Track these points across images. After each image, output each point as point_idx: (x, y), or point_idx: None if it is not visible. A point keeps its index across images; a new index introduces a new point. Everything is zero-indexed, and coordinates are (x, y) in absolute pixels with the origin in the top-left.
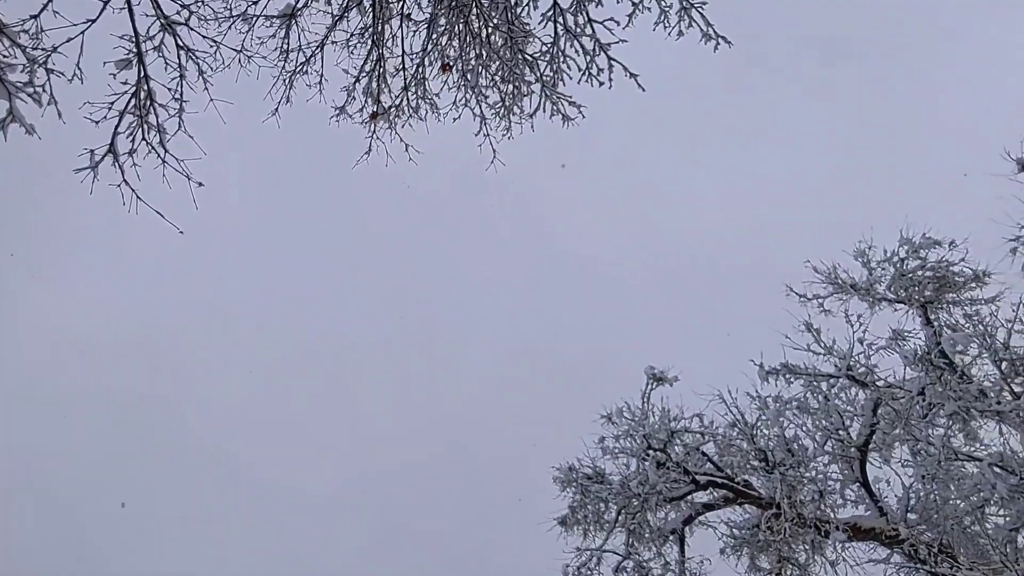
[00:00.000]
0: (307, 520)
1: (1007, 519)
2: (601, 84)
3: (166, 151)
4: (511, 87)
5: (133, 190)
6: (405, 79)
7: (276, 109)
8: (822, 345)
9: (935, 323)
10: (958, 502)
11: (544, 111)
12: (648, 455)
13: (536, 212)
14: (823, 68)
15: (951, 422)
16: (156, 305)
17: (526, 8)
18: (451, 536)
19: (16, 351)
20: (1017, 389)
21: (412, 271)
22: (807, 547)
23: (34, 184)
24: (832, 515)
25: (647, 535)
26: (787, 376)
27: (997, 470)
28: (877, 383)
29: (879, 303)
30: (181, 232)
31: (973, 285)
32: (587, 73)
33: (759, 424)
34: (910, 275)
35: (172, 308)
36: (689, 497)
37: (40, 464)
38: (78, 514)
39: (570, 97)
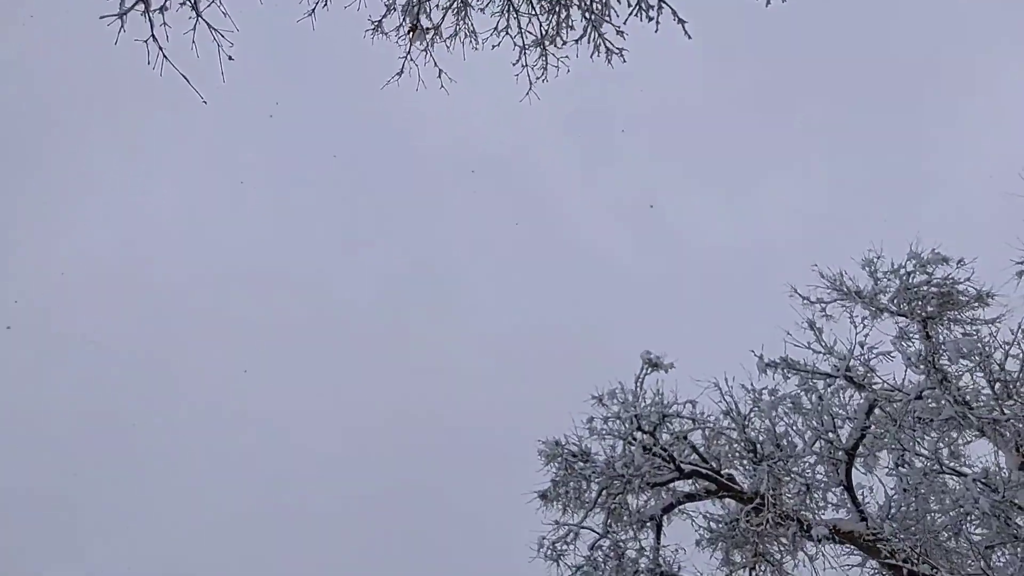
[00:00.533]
0: (306, 477)
1: (984, 536)
2: (650, 19)
3: (199, 13)
4: (554, 19)
5: (160, 48)
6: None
7: (313, 10)
8: (823, 344)
9: (934, 338)
10: (938, 516)
11: (588, 41)
12: (636, 438)
13: (546, 199)
14: (857, 99)
15: (946, 427)
16: (159, 258)
17: None
18: (447, 500)
19: (17, 292)
20: (1007, 412)
21: (415, 249)
22: (786, 542)
23: (51, 135)
24: (813, 516)
25: (626, 518)
26: (785, 371)
27: (981, 486)
28: (874, 386)
29: (881, 314)
30: (205, 102)
31: (975, 305)
32: (638, 7)
33: (752, 415)
34: (915, 289)
35: (174, 264)
36: (671, 485)
37: (33, 409)
38: (70, 466)
39: (618, 27)
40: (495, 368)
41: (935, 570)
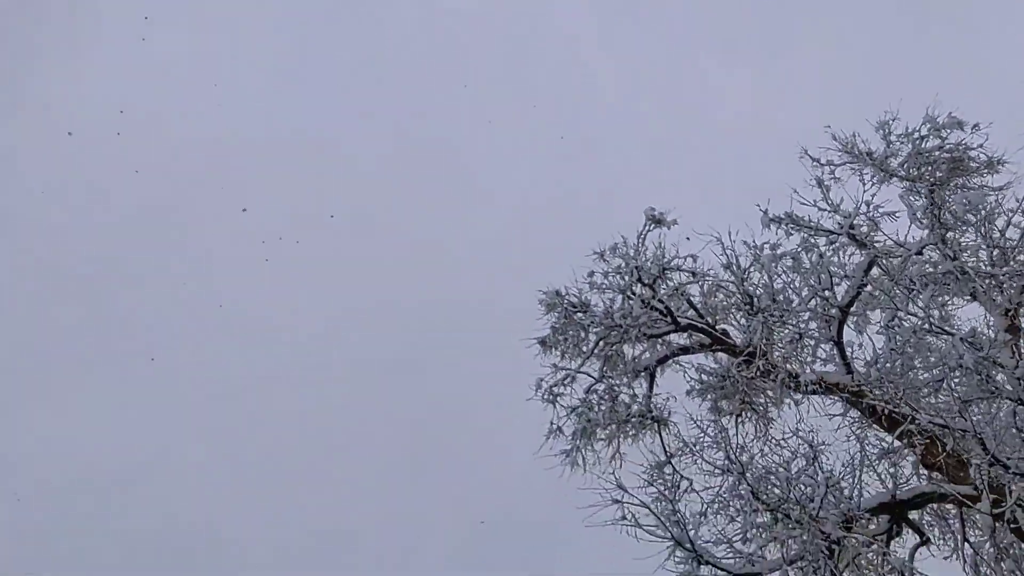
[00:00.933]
0: (294, 355)
1: (963, 392)
2: None
3: None
4: None
5: None
6: None
7: None
8: (829, 203)
9: (939, 205)
10: (921, 373)
11: None
12: (635, 292)
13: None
14: None
15: (942, 282)
16: (161, 136)
17: None
18: (436, 378)
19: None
20: (1002, 278)
21: (422, 120)
22: (772, 394)
23: None
24: (802, 367)
25: (621, 367)
26: (788, 226)
27: (967, 344)
28: (876, 244)
29: (890, 178)
30: None
31: (985, 171)
32: None
33: (751, 269)
34: (926, 154)
35: (172, 141)
36: (667, 338)
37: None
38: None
39: None
40: (504, 236)
41: (915, 412)
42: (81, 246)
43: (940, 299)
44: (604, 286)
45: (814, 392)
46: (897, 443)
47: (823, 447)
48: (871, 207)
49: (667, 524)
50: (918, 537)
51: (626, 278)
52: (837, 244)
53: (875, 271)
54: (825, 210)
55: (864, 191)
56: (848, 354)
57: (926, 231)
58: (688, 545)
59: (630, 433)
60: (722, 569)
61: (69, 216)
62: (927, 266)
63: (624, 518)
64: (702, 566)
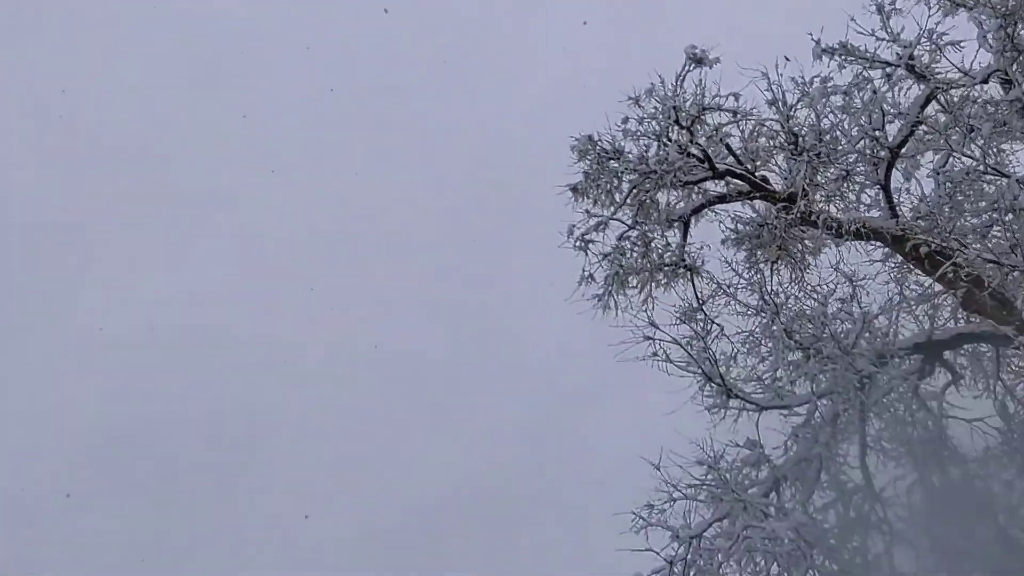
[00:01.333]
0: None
1: (1014, 234)
2: None
3: None
4: None
5: None
6: None
7: None
8: (888, 31)
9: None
10: (971, 219)
11: None
12: (671, 137)
13: None
14: None
15: (1005, 122)
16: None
17: None
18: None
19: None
20: None
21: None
22: (811, 244)
23: None
24: (845, 214)
25: (654, 215)
26: (842, 57)
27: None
28: (936, 76)
29: (957, 9)
30: None
31: None
32: None
33: (798, 106)
34: None
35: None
36: (702, 186)
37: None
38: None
39: None
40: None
41: (962, 247)
42: None
43: (999, 143)
44: (639, 133)
45: (856, 236)
46: (938, 287)
47: (863, 283)
48: (934, 35)
49: (698, 360)
50: (950, 376)
51: (662, 121)
52: (894, 77)
53: (931, 109)
54: (883, 39)
55: (929, 16)
56: (894, 200)
57: (993, 56)
58: (718, 380)
59: (662, 281)
60: (750, 402)
61: None
62: (988, 106)
63: (655, 355)
64: (731, 400)
